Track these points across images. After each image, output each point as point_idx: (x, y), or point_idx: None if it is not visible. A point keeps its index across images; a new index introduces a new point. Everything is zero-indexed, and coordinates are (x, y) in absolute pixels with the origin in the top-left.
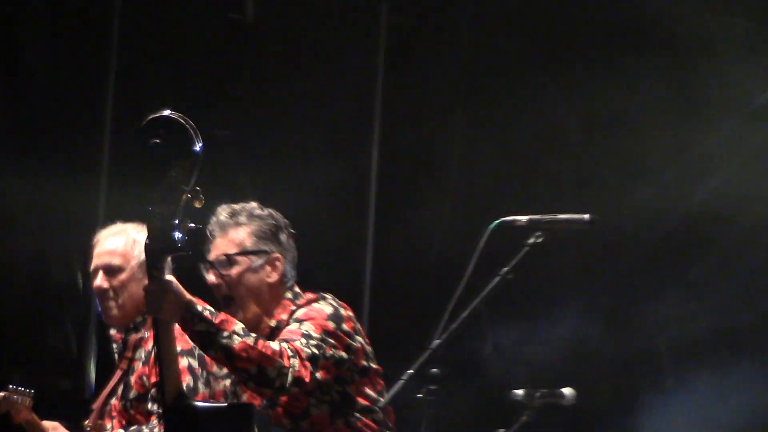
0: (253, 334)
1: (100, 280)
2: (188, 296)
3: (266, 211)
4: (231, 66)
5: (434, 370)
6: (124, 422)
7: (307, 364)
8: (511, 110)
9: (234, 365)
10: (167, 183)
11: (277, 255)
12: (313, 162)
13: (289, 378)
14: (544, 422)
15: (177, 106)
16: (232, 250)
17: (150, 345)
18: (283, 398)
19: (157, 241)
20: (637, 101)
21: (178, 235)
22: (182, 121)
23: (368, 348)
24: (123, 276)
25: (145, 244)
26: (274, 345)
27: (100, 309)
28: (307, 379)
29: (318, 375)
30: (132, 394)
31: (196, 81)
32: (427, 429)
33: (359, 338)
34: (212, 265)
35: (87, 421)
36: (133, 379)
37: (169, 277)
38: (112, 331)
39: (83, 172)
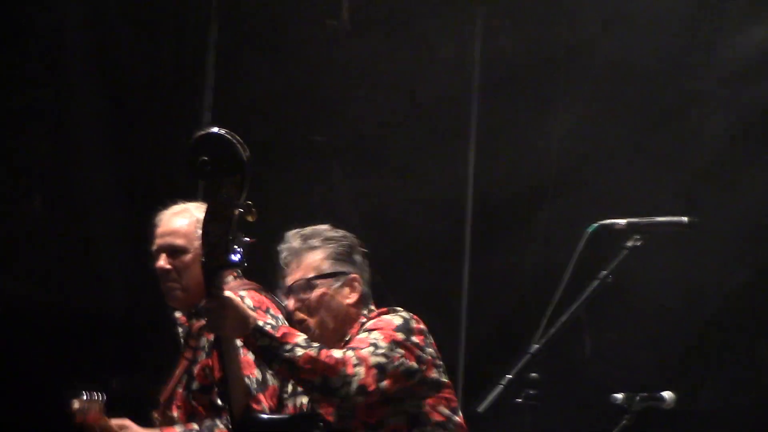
0: (316, 344)
1: (162, 261)
2: (249, 311)
3: (339, 233)
4: (328, 72)
5: (533, 374)
6: (187, 413)
7: (373, 371)
8: (608, 114)
9: (298, 377)
10: (218, 200)
11: (355, 275)
12: (409, 168)
13: (354, 386)
14: (644, 426)
15: (274, 111)
16: (310, 274)
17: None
18: (360, 409)
19: (213, 259)
20: None
21: (233, 250)
22: (229, 136)
23: (439, 362)
24: (186, 257)
25: (201, 262)
26: (338, 354)
27: (163, 291)
28: (371, 388)
29: (384, 384)
30: (195, 385)
31: (293, 88)
32: None
33: (430, 350)
34: (291, 291)
35: (156, 413)
36: (196, 369)
37: (228, 293)
38: (177, 314)
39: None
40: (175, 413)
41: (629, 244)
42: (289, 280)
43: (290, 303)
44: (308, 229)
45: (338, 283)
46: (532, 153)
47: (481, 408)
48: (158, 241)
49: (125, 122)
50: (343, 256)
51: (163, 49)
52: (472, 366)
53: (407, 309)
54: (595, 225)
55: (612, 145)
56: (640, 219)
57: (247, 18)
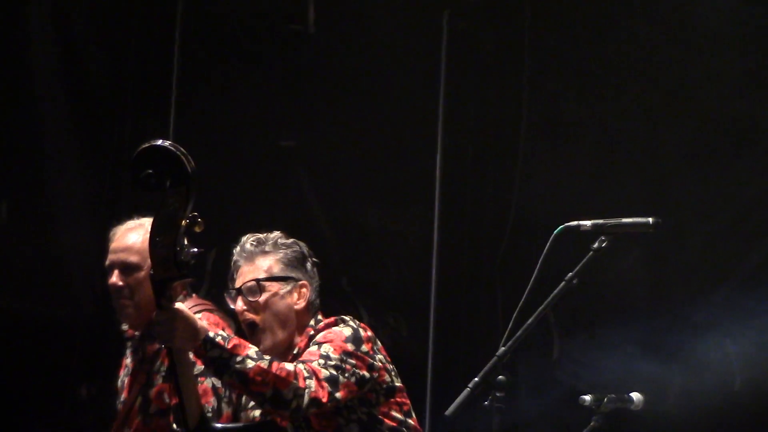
0: (267, 357)
1: (115, 278)
2: (199, 323)
3: (291, 240)
4: (294, 76)
5: (501, 377)
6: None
7: (325, 384)
8: (575, 112)
9: (249, 389)
10: (165, 211)
11: (304, 282)
12: (377, 169)
13: (306, 399)
14: (612, 427)
15: (241, 117)
16: (261, 276)
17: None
18: (313, 419)
19: (162, 271)
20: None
21: (181, 261)
22: (173, 148)
23: (390, 366)
24: (140, 274)
25: (150, 274)
26: (289, 366)
27: (115, 307)
28: (324, 400)
29: (338, 395)
30: (152, 408)
31: (259, 92)
32: None
33: (379, 356)
34: (239, 292)
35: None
36: (152, 393)
37: (179, 304)
38: (124, 326)
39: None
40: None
41: (595, 245)
42: (239, 282)
43: (238, 305)
44: (261, 235)
45: (287, 288)
46: (499, 154)
47: (449, 412)
48: (111, 257)
49: (91, 131)
50: (294, 263)
51: (128, 54)
52: (441, 369)
53: (376, 312)
54: (561, 227)
55: (580, 144)
56: (605, 220)
57: (212, 23)
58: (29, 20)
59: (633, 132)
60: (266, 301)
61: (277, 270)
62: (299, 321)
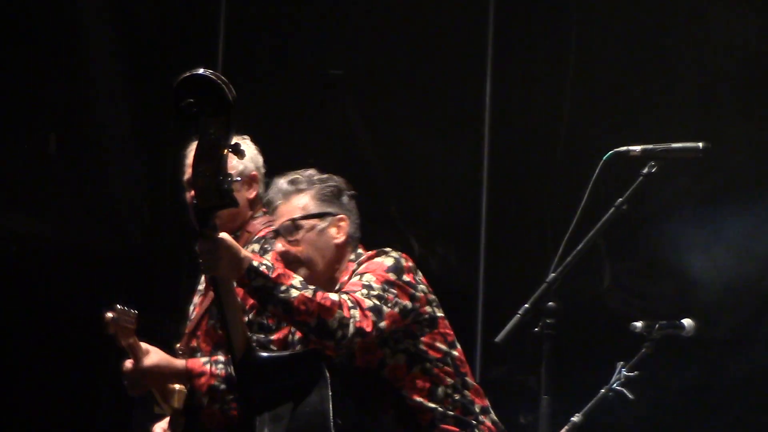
0: (312, 286)
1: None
2: (244, 252)
3: (326, 175)
4: (341, 4)
5: (551, 303)
6: (212, 342)
7: (369, 314)
8: (622, 41)
9: (293, 319)
10: (206, 140)
11: (342, 216)
12: (425, 97)
13: (351, 328)
14: (664, 353)
15: (288, 47)
16: (297, 215)
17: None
18: (358, 351)
19: (205, 200)
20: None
21: (224, 190)
22: (214, 77)
23: (432, 296)
24: None
25: (193, 204)
26: (334, 296)
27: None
28: (368, 329)
29: (382, 325)
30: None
31: (306, 21)
32: (546, 363)
33: (422, 287)
34: (278, 233)
35: (179, 344)
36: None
37: (223, 234)
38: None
39: None
40: (198, 343)
41: (644, 170)
42: (276, 223)
43: (277, 246)
44: (296, 173)
45: (324, 224)
46: (548, 83)
47: (499, 338)
48: (189, 172)
49: (138, 62)
50: (330, 197)
51: None
52: (491, 296)
53: (425, 241)
54: (610, 153)
55: (626, 72)
56: (654, 145)
57: None
58: None
59: (681, 57)
60: (304, 237)
61: (312, 206)
62: (340, 254)
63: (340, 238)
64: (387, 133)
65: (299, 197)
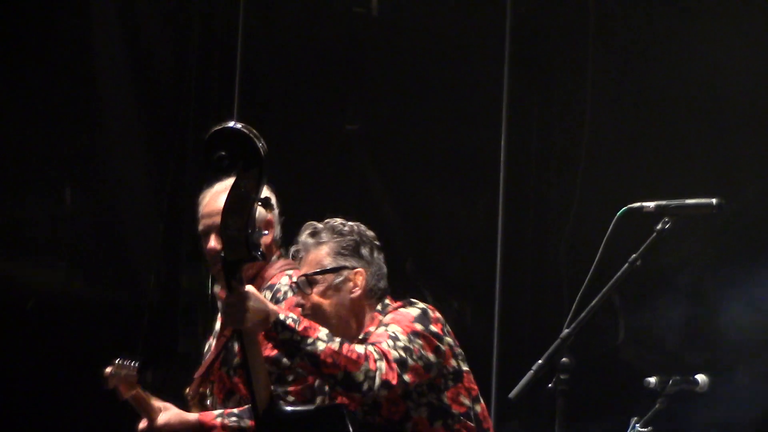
0: (338, 339)
1: (213, 242)
2: (270, 305)
3: (348, 227)
4: (358, 60)
5: (565, 359)
6: (224, 389)
7: (395, 366)
8: (639, 95)
9: (320, 371)
10: (237, 193)
11: (359, 270)
12: (441, 153)
13: (377, 381)
14: (678, 409)
15: (305, 101)
16: (312, 270)
17: None
18: (382, 404)
19: (233, 252)
20: None
21: (252, 244)
22: (245, 130)
23: (458, 350)
24: None
25: (221, 256)
26: (360, 348)
27: (212, 272)
28: (394, 382)
29: (406, 377)
30: (236, 361)
31: (324, 77)
32: (560, 419)
33: (448, 339)
34: (297, 286)
35: (188, 390)
36: (237, 345)
37: (249, 287)
38: (217, 288)
39: None
40: (207, 390)
41: (658, 227)
42: (295, 277)
43: (297, 298)
44: (321, 223)
45: (340, 278)
46: (563, 136)
47: (512, 395)
48: (205, 222)
49: (155, 115)
50: (347, 251)
51: (192, 37)
52: (505, 352)
53: (440, 296)
54: (624, 209)
55: (643, 127)
56: (668, 201)
57: (276, 5)
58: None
59: (698, 113)
60: (319, 292)
61: (328, 261)
62: (357, 308)
63: (356, 293)
64: (403, 188)
65: (318, 250)
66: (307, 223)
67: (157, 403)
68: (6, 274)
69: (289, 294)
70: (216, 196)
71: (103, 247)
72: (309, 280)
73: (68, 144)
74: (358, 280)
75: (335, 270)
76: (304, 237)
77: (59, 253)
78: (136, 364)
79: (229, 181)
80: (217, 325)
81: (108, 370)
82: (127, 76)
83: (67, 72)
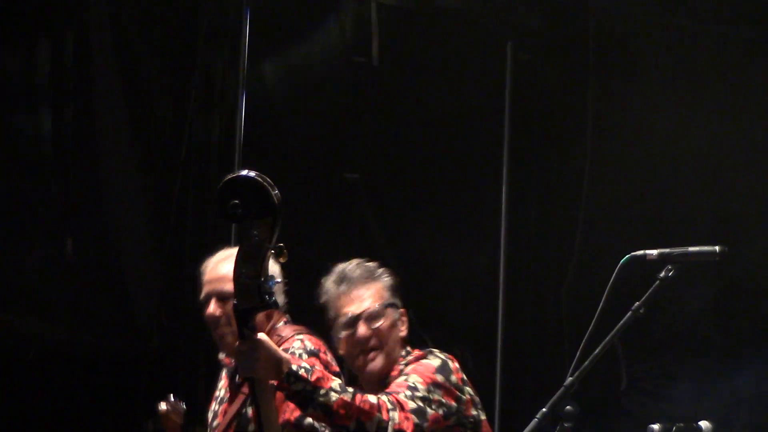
0: (350, 389)
1: (212, 308)
2: (283, 354)
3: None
4: (358, 108)
5: (569, 407)
6: None
7: (410, 416)
8: (638, 143)
9: (333, 422)
10: (250, 242)
11: (403, 309)
12: (442, 201)
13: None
14: None
15: (305, 149)
16: (379, 302)
17: None
18: None
19: (246, 301)
20: None
21: (265, 292)
22: (259, 179)
23: (476, 399)
24: None
25: (234, 304)
26: (372, 399)
27: (214, 337)
28: (408, 431)
29: (425, 426)
30: (250, 427)
31: (324, 126)
32: None
33: (468, 389)
34: (359, 318)
35: None
36: (251, 412)
37: (261, 335)
38: (221, 355)
39: None
40: None
41: (661, 275)
42: (356, 309)
43: (361, 330)
44: (362, 261)
45: (396, 315)
46: (564, 187)
47: None
48: (207, 288)
49: (154, 167)
50: (394, 290)
51: (192, 87)
52: (508, 400)
53: (442, 346)
54: (627, 256)
55: (644, 173)
56: (671, 249)
57: (275, 51)
58: (93, 53)
59: (699, 160)
60: (389, 327)
61: (387, 296)
62: (401, 348)
63: (404, 332)
64: (404, 236)
65: (377, 283)
66: (337, 267)
67: None
68: (6, 324)
69: (305, 356)
70: (218, 264)
71: (105, 297)
72: (381, 311)
73: (68, 195)
74: (404, 320)
75: (395, 306)
76: (356, 272)
77: (61, 304)
78: (184, 407)
79: (233, 250)
80: (220, 392)
81: (162, 407)
82: (126, 127)
83: (66, 123)
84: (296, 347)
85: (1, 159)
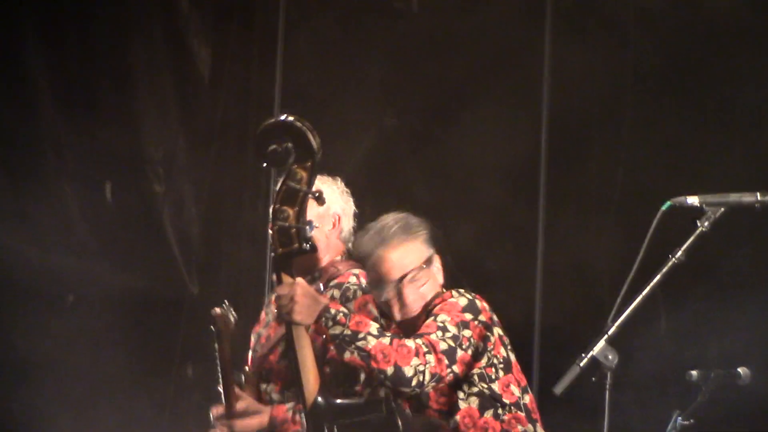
0: (389, 334)
1: None
2: (321, 298)
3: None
4: (397, 55)
5: (608, 354)
6: (281, 383)
7: (443, 357)
8: (680, 88)
9: (371, 367)
10: (289, 186)
11: (439, 259)
12: (480, 148)
13: (427, 375)
14: (720, 402)
15: (343, 95)
16: (417, 263)
17: None
18: (432, 397)
19: (284, 245)
20: None
21: (304, 236)
22: (299, 124)
23: (506, 339)
24: None
25: (272, 248)
26: (410, 343)
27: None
28: (443, 373)
29: (455, 368)
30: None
31: (363, 71)
32: (604, 413)
33: (497, 329)
34: (400, 282)
35: (244, 377)
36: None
37: (299, 279)
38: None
39: None
40: (266, 386)
41: (702, 221)
42: (396, 273)
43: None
44: (399, 216)
45: (436, 268)
46: (603, 131)
47: (558, 389)
48: None
49: (191, 105)
50: (433, 239)
51: (231, 30)
52: (548, 347)
53: (480, 291)
54: (668, 203)
55: (684, 119)
56: (712, 196)
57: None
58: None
59: (741, 104)
60: (426, 283)
61: (424, 252)
62: (433, 296)
63: (442, 279)
64: (442, 177)
65: (413, 242)
66: (373, 224)
67: (237, 390)
68: (48, 267)
69: (359, 293)
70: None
71: (144, 242)
72: (417, 276)
73: (106, 140)
74: (440, 266)
75: (430, 261)
76: (393, 230)
77: (100, 246)
78: (236, 317)
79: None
80: (264, 315)
81: (215, 310)
82: (167, 73)
83: (99, 63)
84: (351, 282)
85: (37, 100)
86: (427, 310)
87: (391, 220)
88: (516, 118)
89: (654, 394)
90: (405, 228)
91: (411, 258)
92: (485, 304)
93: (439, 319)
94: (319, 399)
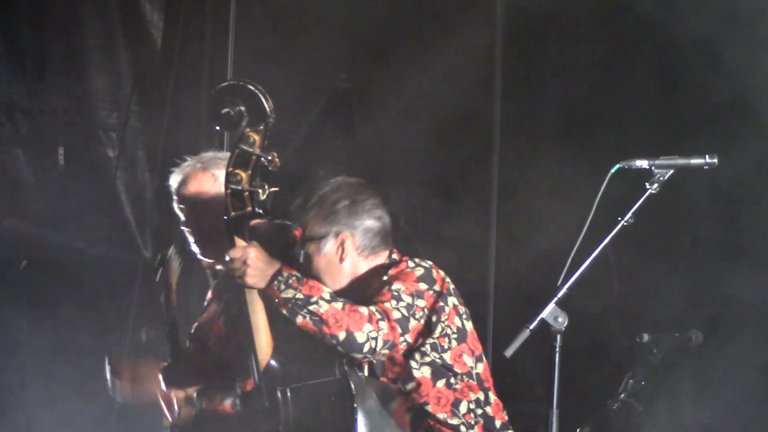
0: (341, 299)
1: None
2: (274, 262)
3: (335, 185)
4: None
5: (559, 317)
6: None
7: (396, 325)
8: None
9: (322, 332)
10: (242, 149)
11: (345, 234)
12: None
13: (379, 342)
14: (671, 365)
15: (297, 59)
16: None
17: None
18: (386, 363)
19: (237, 208)
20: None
21: (256, 199)
22: (252, 87)
23: (462, 309)
24: None
25: (225, 211)
26: (362, 309)
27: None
28: (396, 341)
29: (408, 337)
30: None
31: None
32: (554, 375)
33: (452, 298)
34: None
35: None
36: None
37: (253, 242)
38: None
39: None
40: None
41: (651, 183)
42: (309, 232)
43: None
44: (312, 188)
45: (327, 244)
46: (557, 89)
47: (508, 352)
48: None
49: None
50: (334, 215)
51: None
52: (500, 311)
53: (434, 256)
54: (617, 165)
55: (635, 81)
56: (660, 159)
57: None
58: None
59: (690, 67)
60: (312, 259)
61: (315, 227)
62: (351, 270)
63: (345, 256)
64: (391, 143)
65: (305, 217)
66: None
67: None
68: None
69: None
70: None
71: (98, 205)
72: (301, 246)
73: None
74: (345, 244)
75: (321, 238)
76: (296, 202)
77: (54, 211)
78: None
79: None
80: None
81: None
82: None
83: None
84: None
85: None
86: (383, 279)
87: (312, 189)
88: (470, 88)
89: (605, 357)
90: (309, 200)
91: (303, 229)
92: (442, 274)
93: (393, 287)
94: (273, 362)
